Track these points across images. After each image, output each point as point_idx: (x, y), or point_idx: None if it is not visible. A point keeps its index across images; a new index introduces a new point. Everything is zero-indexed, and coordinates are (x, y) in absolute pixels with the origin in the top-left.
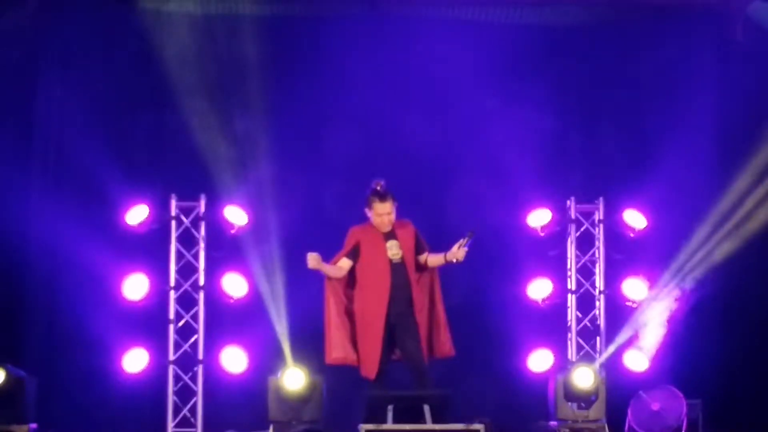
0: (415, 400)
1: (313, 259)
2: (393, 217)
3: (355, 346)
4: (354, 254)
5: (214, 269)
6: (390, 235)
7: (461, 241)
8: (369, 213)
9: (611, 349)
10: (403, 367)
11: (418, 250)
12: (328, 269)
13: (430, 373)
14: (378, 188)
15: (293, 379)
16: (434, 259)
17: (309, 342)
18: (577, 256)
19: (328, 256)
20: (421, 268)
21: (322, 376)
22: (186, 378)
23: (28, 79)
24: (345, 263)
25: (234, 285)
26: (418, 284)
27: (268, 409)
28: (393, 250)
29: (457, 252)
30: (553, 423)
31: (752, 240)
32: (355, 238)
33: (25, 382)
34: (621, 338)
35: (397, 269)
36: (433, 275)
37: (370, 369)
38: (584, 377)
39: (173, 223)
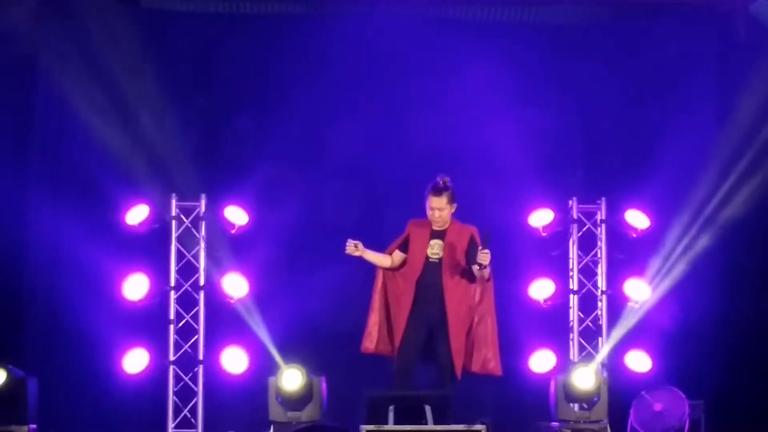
0: (416, 400)
1: (352, 246)
2: (445, 215)
3: (390, 337)
4: (404, 246)
5: (214, 269)
6: (438, 234)
7: (481, 247)
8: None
9: (606, 349)
10: (430, 367)
11: (471, 257)
12: (371, 256)
13: (452, 381)
14: (440, 182)
15: (290, 379)
16: (475, 269)
17: (309, 342)
18: (579, 257)
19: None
20: (466, 274)
21: (322, 377)
22: (186, 378)
23: (28, 77)
24: (397, 255)
25: (234, 285)
26: (456, 289)
27: (268, 409)
28: (434, 249)
29: (479, 256)
30: (554, 424)
31: (753, 239)
32: (408, 231)
33: (26, 382)
34: (614, 337)
35: (431, 268)
36: (485, 288)
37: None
38: (584, 378)
39: (173, 223)
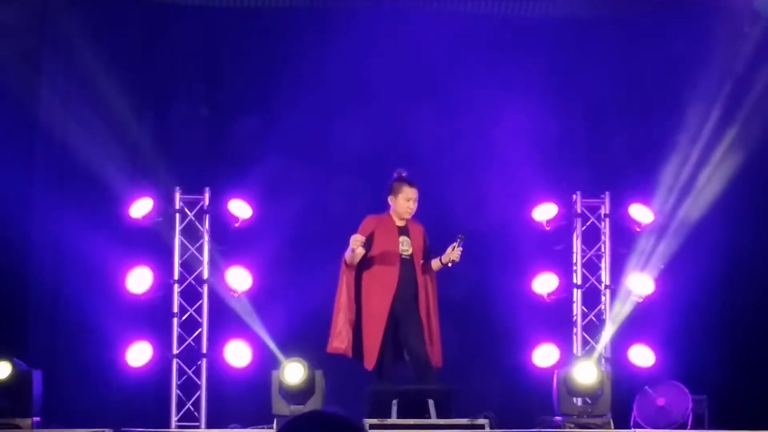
0: (419, 394)
1: (358, 241)
2: (416, 207)
3: (357, 338)
4: (368, 243)
5: (218, 263)
6: (403, 231)
7: (453, 244)
8: (393, 200)
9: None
10: (407, 362)
11: (426, 253)
12: (357, 252)
13: (432, 369)
14: (404, 174)
15: (293, 372)
16: (434, 263)
17: (313, 335)
18: (582, 251)
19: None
20: (426, 270)
21: (324, 370)
22: (190, 372)
23: (32, 72)
24: (360, 249)
25: (238, 279)
26: (425, 284)
27: (271, 403)
28: (404, 245)
29: (452, 254)
30: (557, 418)
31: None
32: (371, 227)
33: (31, 375)
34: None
35: (406, 265)
36: (434, 282)
37: (369, 360)
38: (585, 372)
39: (177, 216)
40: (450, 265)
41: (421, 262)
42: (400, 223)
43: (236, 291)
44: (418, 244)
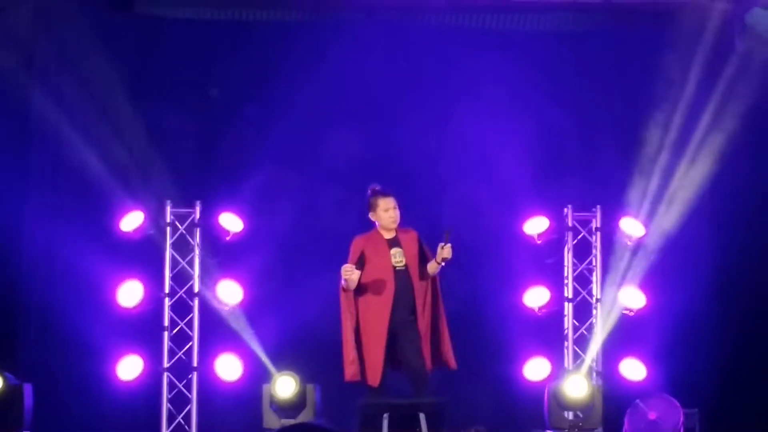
0: (410, 408)
1: (349, 270)
2: (398, 213)
3: (361, 359)
4: (360, 263)
5: (208, 276)
6: (394, 243)
7: (441, 243)
8: (374, 215)
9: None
10: (402, 375)
11: (423, 258)
12: (353, 281)
13: (429, 382)
14: (377, 188)
15: (284, 386)
16: (430, 266)
17: (304, 349)
18: (574, 264)
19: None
20: (424, 276)
21: (316, 384)
22: (180, 385)
23: (24, 83)
24: (355, 274)
25: (229, 292)
26: (421, 292)
27: (262, 416)
28: (397, 257)
29: (443, 251)
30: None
31: (753, 248)
32: (359, 247)
33: (22, 389)
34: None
35: (401, 276)
36: (435, 285)
37: (373, 377)
38: (575, 385)
39: (168, 229)
40: (443, 263)
41: (418, 269)
42: (388, 236)
43: (227, 304)
44: (412, 251)
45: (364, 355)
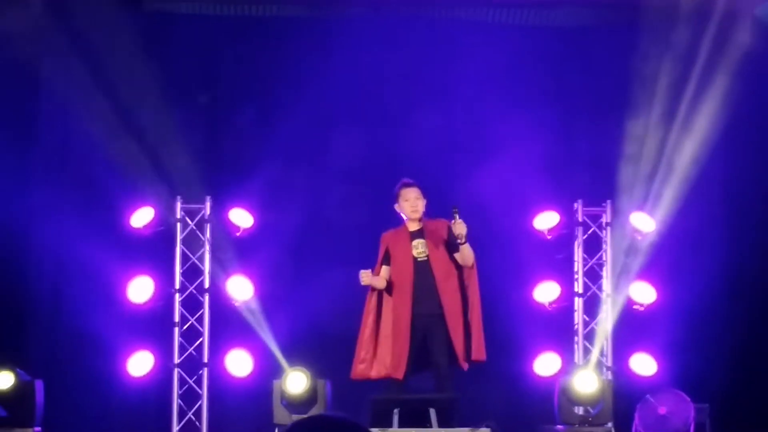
0: (421, 403)
1: (366, 276)
2: (422, 203)
3: (377, 358)
4: (387, 259)
5: (219, 272)
6: (417, 234)
7: (453, 221)
8: (398, 206)
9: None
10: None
11: (453, 247)
12: (376, 282)
13: (451, 378)
14: (404, 180)
15: (295, 382)
16: (458, 253)
17: (314, 344)
18: (584, 259)
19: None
20: (457, 265)
21: (327, 380)
22: (191, 381)
23: (32, 79)
24: (384, 271)
25: (239, 288)
26: (447, 283)
27: (273, 412)
28: (418, 248)
29: (455, 227)
30: (559, 427)
31: (763, 243)
32: (385, 244)
33: (33, 385)
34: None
35: (422, 268)
36: (470, 277)
37: (398, 369)
38: (587, 381)
39: (178, 225)
40: (463, 241)
41: (446, 258)
42: (413, 228)
43: (237, 300)
44: (440, 241)
45: (392, 349)
